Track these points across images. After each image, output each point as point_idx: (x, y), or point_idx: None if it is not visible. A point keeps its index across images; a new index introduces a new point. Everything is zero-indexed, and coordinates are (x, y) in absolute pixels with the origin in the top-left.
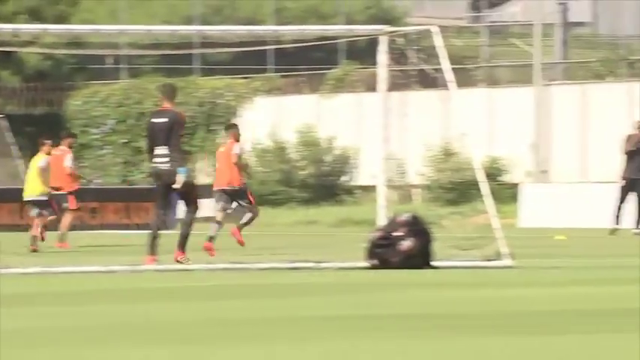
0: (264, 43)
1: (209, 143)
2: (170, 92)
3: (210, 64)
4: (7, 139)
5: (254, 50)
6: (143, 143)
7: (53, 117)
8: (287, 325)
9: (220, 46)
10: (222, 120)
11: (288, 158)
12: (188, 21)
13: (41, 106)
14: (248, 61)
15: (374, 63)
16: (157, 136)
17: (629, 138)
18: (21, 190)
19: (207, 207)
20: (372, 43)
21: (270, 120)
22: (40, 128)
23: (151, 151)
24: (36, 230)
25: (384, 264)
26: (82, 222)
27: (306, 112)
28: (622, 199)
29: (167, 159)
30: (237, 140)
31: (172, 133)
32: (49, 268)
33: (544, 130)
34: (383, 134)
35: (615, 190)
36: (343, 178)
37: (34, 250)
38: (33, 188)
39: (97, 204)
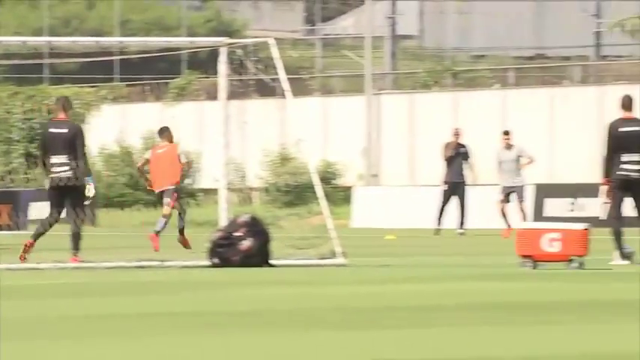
0: (110, 53)
1: None
2: (67, 104)
3: (59, 74)
4: None
5: (101, 60)
6: None
7: None
8: (133, 321)
9: (68, 56)
10: None
11: (134, 163)
12: (38, 32)
13: None
14: (95, 70)
15: (215, 73)
16: (56, 146)
17: (448, 145)
18: None
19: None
20: (213, 54)
21: (117, 127)
22: None
23: (47, 159)
24: None
25: (225, 263)
26: None
27: (150, 120)
28: (445, 202)
29: (68, 167)
30: (172, 142)
31: (77, 143)
32: None
33: (375, 136)
34: (223, 140)
35: (439, 193)
36: (186, 182)
37: None
38: None
39: None
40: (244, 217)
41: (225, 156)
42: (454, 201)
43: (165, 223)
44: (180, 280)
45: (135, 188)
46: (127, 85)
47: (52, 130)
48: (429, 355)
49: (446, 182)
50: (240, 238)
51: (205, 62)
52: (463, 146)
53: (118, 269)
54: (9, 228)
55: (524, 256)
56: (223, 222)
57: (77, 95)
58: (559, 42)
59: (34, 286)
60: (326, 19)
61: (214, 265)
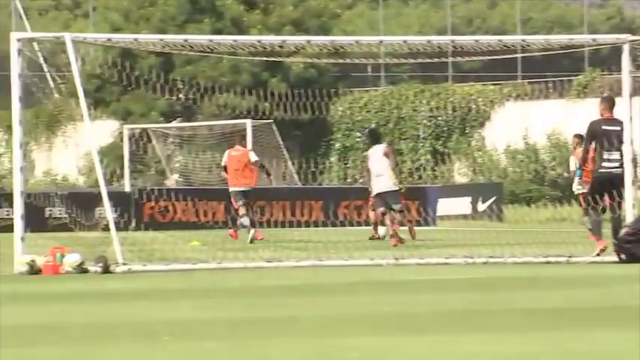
0: (513, 51)
1: (464, 146)
2: None
3: (462, 72)
4: (277, 143)
5: (504, 58)
6: (403, 146)
7: (318, 122)
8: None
9: (472, 54)
10: (474, 124)
11: (539, 159)
12: (441, 31)
13: (306, 111)
14: (498, 68)
15: (617, 70)
16: None
17: None
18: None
19: None
20: (615, 51)
21: (520, 124)
22: (306, 132)
23: None
24: None
25: (633, 258)
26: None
27: (552, 116)
28: None
29: None
30: None
31: None
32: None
33: None
34: (629, 136)
35: None
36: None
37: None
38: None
39: (361, 202)
40: None
41: (630, 152)
42: None
43: None
44: (588, 275)
45: (540, 184)
46: (529, 83)
47: None
48: None
49: None
50: None
51: (607, 59)
52: None
53: (525, 264)
54: (418, 224)
55: None
56: (630, 218)
57: (480, 93)
58: None
59: (444, 281)
60: None
61: (622, 261)
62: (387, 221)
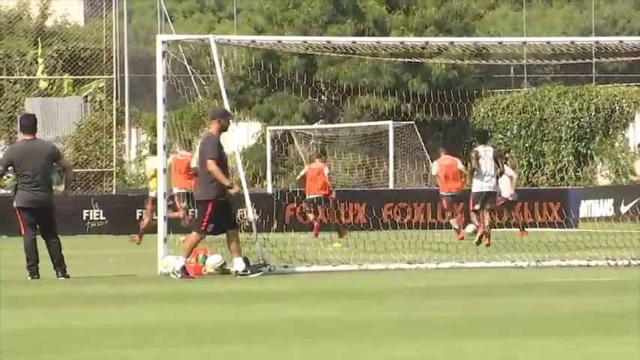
0: None
1: (607, 147)
2: None
3: (606, 73)
4: (419, 144)
5: None
6: (545, 147)
7: (460, 123)
8: None
9: (616, 55)
10: (618, 125)
11: None
12: (585, 32)
13: (448, 112)
14: None
15: None
16: None
17: None
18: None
19: None
20: None
21: None
22: (448, 134)
23: None
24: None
25: None
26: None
27: None
28: None
29: None
30: None
31: None
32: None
33: None
34: None
35: None
36: None
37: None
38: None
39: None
40: None
41: None
42: None
43: None
44: None
45: None
46: None
47: None
48: None
49: None
50: None
51: None
52: None
53: None
54: (559, 226)
55: None
56: None
57: (624, 94)
58: None
59: (584, 283)
60: None
61: None
62: (475, 220)
